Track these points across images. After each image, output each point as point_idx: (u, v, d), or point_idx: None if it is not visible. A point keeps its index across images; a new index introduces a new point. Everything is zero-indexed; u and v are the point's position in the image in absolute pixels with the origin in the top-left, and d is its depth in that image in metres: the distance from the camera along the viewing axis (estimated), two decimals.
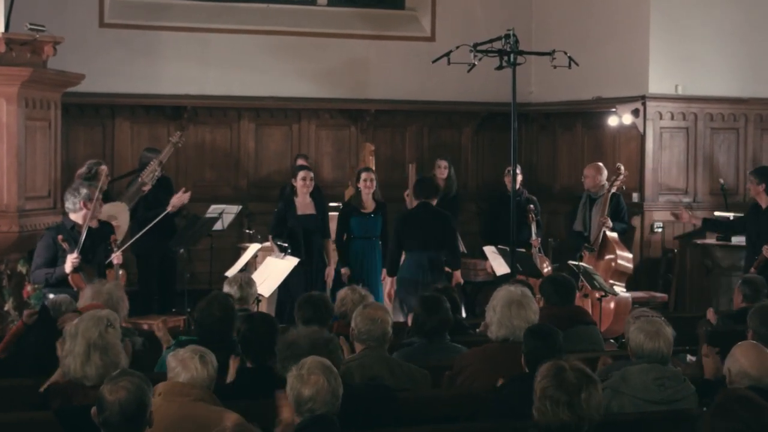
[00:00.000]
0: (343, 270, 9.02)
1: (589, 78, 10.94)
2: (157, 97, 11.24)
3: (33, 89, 7.90)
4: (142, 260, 9.28)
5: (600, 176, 9.58)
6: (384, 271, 8.87)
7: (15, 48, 7.78)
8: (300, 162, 10.42)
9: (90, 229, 7.12)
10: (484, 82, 10.44)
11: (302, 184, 8.94)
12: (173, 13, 11.52)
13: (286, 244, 8.58)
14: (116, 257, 7.28)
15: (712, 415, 3.63)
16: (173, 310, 9.11)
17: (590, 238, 9.39)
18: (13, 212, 7.71)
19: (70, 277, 6.87)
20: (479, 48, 7.97)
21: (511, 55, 7.93)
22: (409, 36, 12.22)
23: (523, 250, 9.12)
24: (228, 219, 9.78)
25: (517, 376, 4.59)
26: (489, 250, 9.46)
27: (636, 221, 10.69)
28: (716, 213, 10.48)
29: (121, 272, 7.30)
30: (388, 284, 8.77)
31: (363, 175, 9.13)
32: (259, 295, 7.21)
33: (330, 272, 9.06)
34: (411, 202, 10.13)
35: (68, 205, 7.20)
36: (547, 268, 9.52)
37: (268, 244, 9.14)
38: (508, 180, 9.56)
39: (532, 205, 9.85)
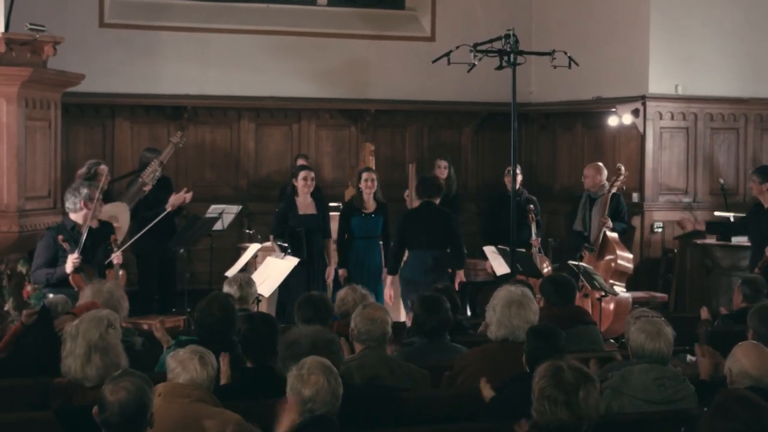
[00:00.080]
0: (341, 271, 9.03)
1: (589, 78, 10.94)
2: (157, 97, 11.24)
3: (33, 89, 7.90)
4: (142, 260, 9.28)
5: (600, 176, 9.57)
6: (385, 270, 8.90)
7: (15, 48, 7.78)
8: (300, 162, 10.42)
9: (90, 229, 7.12)
10: (484, 82, 10.44)
11: (303, 183, 8.94)
12: (173, 13, 11.52)
13: (287, 244, 8.59)
14: (116, 257, 7.28)
15: (712, 415, 3.63)
16: (173, 310, 9.12)
17: (590, 238, 9.39)
18: (13, 212, 7.71)
19: (71, 278, 6.88)
20: (479, 48, 7.97)
21: (511, 55, 7.93)
22: (409, 36, 12.22)
23: (523, 250, 9.11)
24: (228, 219, 9.78)
25: (518, 375, 4.59)
26: (489, 250, 9.46)
27: (636, 221, 10.70)
28: (716, 213, 10.49)
29: (121, 272, 7.30)
30: (388, 283, 8.80)
31: (364, 175, 9.14)
32: (259, 295, 7.21)
33: (330, 272, 9.06)
34: (411, 202, 10.15)
35: (68, 205, 7.20)
36: (547, 268, 9.51)
37: (268, 244, 9.14)
38: (508, 180, 9.55)
39: (532, 205, 9.84)
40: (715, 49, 10.85)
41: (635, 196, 10.80)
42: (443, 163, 10.71)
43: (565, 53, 8.04)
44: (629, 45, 10.97)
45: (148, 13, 11.39)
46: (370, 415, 4.39)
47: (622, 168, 9.47)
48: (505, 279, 7.98)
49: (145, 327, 7.52)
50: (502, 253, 8.98)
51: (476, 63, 7.95)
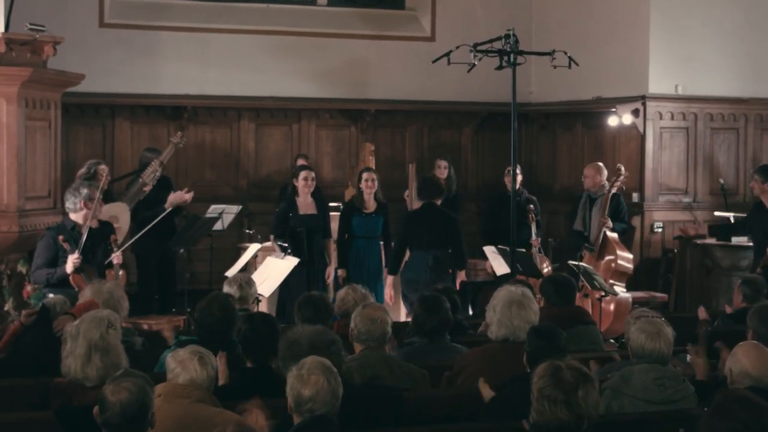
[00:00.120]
0: (339, 272, 9.03)
1: (589, 78, 10.94)
2: (157, 97, 11.24)
3: (33, 89, 7.90)
4: (141, 260, 9.28)
5: (600, 176, 9.57)
6: (385, 270, 8.91)
7: (15, 48, 7.78)
8: (300, 162, 10.42)
9: (90, 229, 7.12)
10: (484, 82, 10.44)
11: (304, 183, 8.94)
12: (173, 13, 11.52)
13: (287, 244, 8.59)
14: (116, 257, 7.28)
15: (712, 416, 3.63)
16: (173, 310, 9.11)
17: (590, 238, 9.39)
18: (13, 212, 7.71)
19: (71, 278, 6.88)
20: (479, 48, 7.97)
21: (511, 55, 7.93)
22: (409, 36, 12.22)
23: (523, 250, 9.12)
24: (228, 219, 9.78)
25: (518, 375, 4.59)
26: (489, 250, 9.47)
27: (636, 221, 10.70)
28: (716, 213, 10.48)
29: (121, 272, 7.30)
30: (388, 283, 8.81)
31: (364, 175, 9.14)
32: (259, 295, 7.21)
33: (330, 272, 9.07)
34: (411, 202, 10.16)
35: (68, 205, 7.20)
36: (547, 268, 9.52)
37: (268, 244, 9.15)
38: (508, 180, 9.56)
39: (532, 205, 9.85)
40: (715, 49, 10.85)
41: (635, 196, 10.80)
42: (443, 163, 10.71)
43: (565, 53, 8.04)
44: (629, 45, 10.97)
45: (148, 13, 11.39)
46: (370, 415, 4.39)
47: (622, 168, 9.47)
48: (505, 279, 7.98)
49: (145, 327, 7.54)
50: (502, 253, 8.98)
51: (476, 63, 7.95)
